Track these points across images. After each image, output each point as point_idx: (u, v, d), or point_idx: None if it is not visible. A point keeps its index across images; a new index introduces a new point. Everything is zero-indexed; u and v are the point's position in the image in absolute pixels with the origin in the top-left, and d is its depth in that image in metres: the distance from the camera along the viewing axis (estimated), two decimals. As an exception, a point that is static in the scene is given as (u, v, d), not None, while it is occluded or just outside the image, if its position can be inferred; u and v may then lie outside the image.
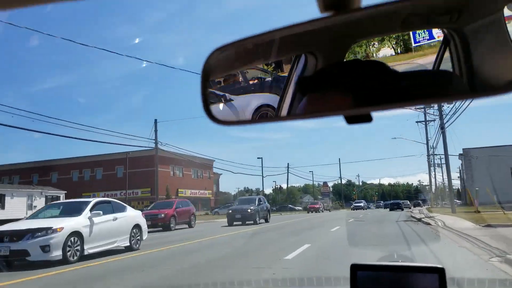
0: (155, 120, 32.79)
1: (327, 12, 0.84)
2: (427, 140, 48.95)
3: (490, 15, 0.86)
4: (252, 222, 24.68)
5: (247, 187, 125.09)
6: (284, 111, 1.15)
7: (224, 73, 1.22)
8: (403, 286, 1.31)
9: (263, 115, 1.21)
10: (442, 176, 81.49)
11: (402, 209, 49.32)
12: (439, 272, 1.26)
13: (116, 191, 57.16)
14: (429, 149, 51.37)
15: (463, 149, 62.16)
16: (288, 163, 76.68)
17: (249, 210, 25.03)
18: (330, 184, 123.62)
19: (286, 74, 1.21)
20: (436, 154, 46.35)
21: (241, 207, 25.89)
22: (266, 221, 26.95)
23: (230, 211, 26.15)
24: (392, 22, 1.00)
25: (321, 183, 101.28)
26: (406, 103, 0.89)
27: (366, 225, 20.25)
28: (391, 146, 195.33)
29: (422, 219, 22.25)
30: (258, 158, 60.11)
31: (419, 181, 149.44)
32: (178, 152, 59.10)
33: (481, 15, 0.89)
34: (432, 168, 77.04)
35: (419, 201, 73.79)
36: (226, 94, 1.22)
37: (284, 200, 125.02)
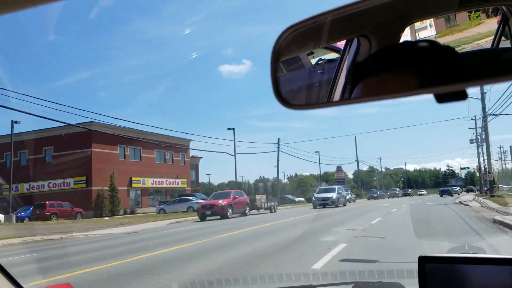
0: None
1: None
2: (482, 94, 31.50)
3: None
4: None
5: (263, 176, 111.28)
6: (359, 92, 0.99)
7: (294, 54, 1.15)
8: (477, 279, 1.18)
9: (337, 97, 1.14)
10: (482, 157, 64.01)
11: (452, 195, 51.58)
12: None
13: (44, 182, 41.92)
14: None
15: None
16: (278, 138, 58.84)
17: None
18: (351, 171, 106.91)
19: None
20: (494, 115, 28.83)
21: None
22: None
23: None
24: (450, 0, 0.97)
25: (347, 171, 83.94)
26: (503, 77, 0.82)
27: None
28: (416, 131, 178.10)
29: None
30: (228, 129, 42.43)
31: (447, 165, 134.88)
32: (131, 127, 43.50)
33: None
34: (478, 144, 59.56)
35: (472, 186, 60.34)
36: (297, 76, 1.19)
37: (295, 188, 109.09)
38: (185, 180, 53.37)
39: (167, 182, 50.37)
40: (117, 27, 75.43)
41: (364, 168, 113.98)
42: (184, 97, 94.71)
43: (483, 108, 31.97)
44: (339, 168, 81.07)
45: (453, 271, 1.23)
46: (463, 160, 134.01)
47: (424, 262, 1.27)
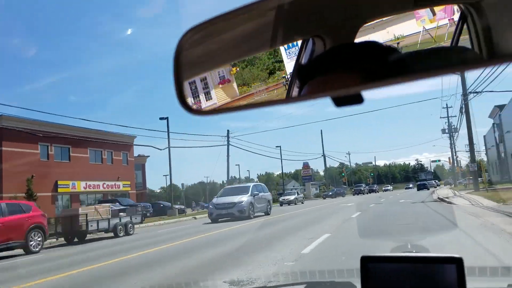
0: None
1: None
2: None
3: None
4: None
5: (234, 176, 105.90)
6: (266, 97, 1.06)
7: (203, 57, 1.05)
8: (417, 278, 1.20)
9: (243, 102, 1.11)
10: (454, 148, 60.34)
11: (428, 189, 50.64)
12: (457, 262, 1.15)
13: None
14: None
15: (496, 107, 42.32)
16: (228, 130, 51.32)
17: None
18: (322, 168, 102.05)
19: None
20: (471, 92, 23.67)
21: None
22: None
23: None
24: None
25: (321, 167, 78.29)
26: (398, 79, 0.80)
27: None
28: (386, 125, 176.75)
29: None
30: (161, 118, 35.15)
31: (416, 160, 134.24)
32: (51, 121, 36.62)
33: None
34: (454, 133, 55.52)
35: (450, 180, 57.07)
36: (204, 82, 1.11)
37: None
38: (128, 182, 46.60)
39: (105, 186, 43.57)
40: (88, 29, 70.73)
41: (335, 164, 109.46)
42: (153, 99, 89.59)
43: (463, 84, 26.82)
44: (305, 165, 75.72)
45: (394, 270, 1.23)
46: (431, 155, 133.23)
47: (366, 262, 1.26)
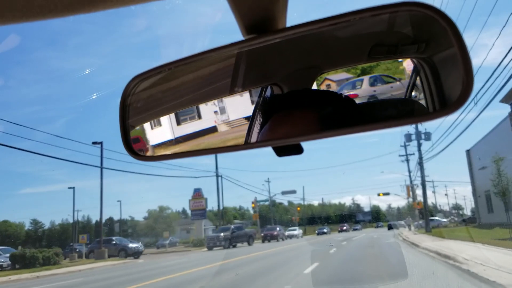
0: None
1: (250, 35, 0.85)
2: None
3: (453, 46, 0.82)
4: None
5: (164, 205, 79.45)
6: (215, 143, 1.08)
7: (150, 102, 1.05)
8: None
9: (192, 147, 1.10)
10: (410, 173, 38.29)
11: (393, 229, 46.39)
12: None
13: None
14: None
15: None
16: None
17: None
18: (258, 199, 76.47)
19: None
20: None
21: None
22: None
23: None
24: (358, 52, 1.01)
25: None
26: (329, 133, 0.84)
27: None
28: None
29: None
30: None
31: (352, 198, 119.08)
32: None
33: (447, 46, 0.85)
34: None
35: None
36: (151, 125, 1.07)
37: (149, 228, 75.04)
38: None
39: None
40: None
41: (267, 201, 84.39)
42: (87, 131, 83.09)
43: None
44: (197, 192, 49.17)
45: None
46: (363, 197, 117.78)
47: None
